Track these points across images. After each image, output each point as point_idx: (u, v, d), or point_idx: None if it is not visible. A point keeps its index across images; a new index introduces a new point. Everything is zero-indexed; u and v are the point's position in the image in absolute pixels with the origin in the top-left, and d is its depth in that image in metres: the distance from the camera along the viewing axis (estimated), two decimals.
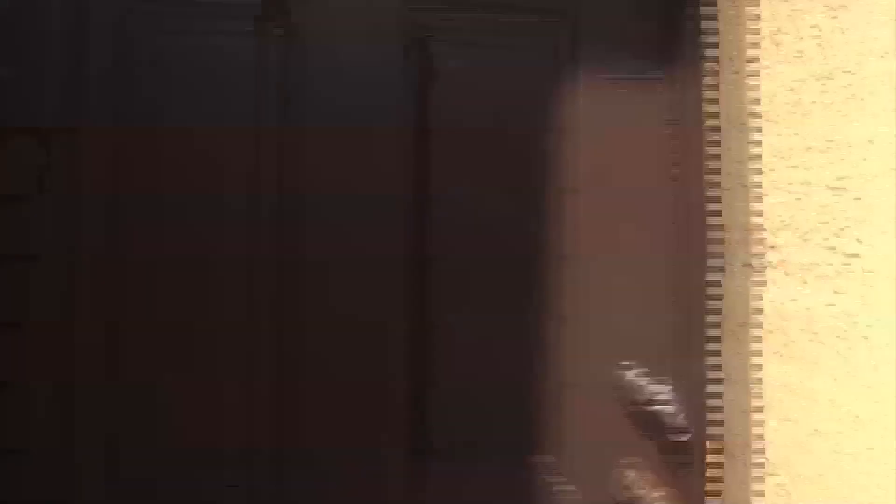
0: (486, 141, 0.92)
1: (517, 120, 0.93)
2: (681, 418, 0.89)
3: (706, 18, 0.93)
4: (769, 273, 0.85)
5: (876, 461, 0.75)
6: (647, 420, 0.91)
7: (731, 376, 0.90)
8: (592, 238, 0.92)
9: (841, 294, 0.77)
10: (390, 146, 0.90)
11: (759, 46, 0.87)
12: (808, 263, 0.81)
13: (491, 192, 0.91)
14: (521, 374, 0.92)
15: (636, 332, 0.92)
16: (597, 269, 0.92)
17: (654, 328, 0.93)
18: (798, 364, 0.81)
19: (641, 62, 0.93)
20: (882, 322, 0.73)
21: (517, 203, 0.92)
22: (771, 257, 0.86)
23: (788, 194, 0.84)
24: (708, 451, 0.91)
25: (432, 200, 0.90)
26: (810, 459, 0.81)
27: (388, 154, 0.90)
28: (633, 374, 0.91)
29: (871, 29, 0.75)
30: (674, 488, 0.90)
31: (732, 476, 0.89)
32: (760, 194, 0.87)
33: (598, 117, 0.93)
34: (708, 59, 0.91)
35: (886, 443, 0.73)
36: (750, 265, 0.87)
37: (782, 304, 0.84)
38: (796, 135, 0.83)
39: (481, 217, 0.90)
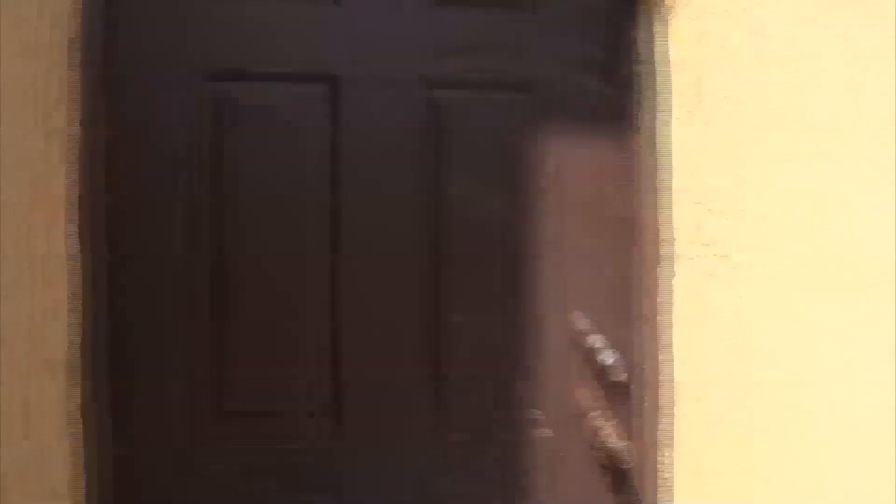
0: (489, 171, 1.28)
1: (508, 160, 1.28)
2: (618, 363, 1.24)
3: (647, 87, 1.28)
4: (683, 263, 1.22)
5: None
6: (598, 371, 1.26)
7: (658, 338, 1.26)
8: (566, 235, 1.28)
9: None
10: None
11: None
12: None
13: (494, 202, 1.27)
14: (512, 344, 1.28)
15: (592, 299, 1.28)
16: (567, 261, 1.28)
17: (607, 301, 1.28)
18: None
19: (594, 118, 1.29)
20: None
21: (511, 216, 1.28)
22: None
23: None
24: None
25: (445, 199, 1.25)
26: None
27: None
28: (592, 338, 1.27)
29: None
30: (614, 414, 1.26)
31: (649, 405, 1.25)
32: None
33: (566, 157, 1.28)
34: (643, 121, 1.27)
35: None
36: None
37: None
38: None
39: (487, 219, 1.26)
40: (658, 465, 1.24)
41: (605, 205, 1.29)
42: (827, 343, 1.20)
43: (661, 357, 1.23)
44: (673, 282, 1.21)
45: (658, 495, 1.24)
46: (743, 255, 1.18)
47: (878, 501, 1.19)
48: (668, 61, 1.22)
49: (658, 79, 1.23)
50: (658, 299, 1.24)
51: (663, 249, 1.23)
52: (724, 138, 1.18)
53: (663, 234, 1.23)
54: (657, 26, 1.22)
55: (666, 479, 1.23)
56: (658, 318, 1.23)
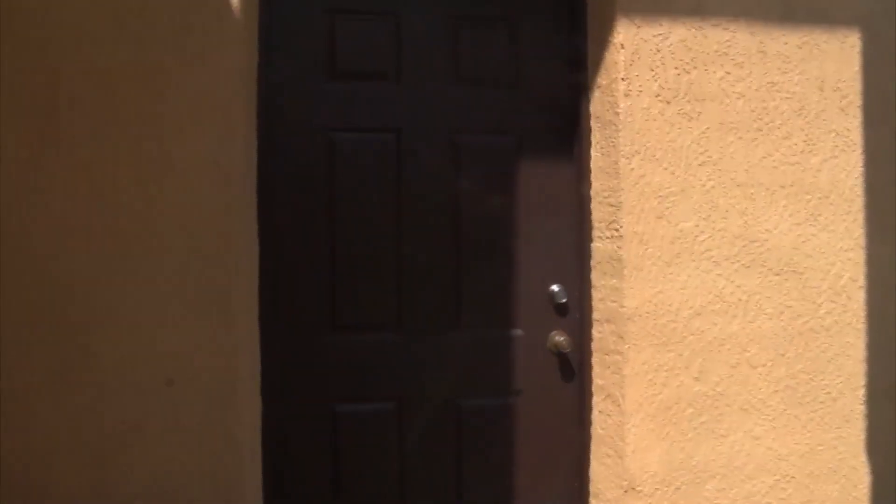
0: (490, 183, 2.15)
1: (501, 176, 2.16)
2: (562, 293, 2.14)
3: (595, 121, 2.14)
4: (610, 241, 2.08)
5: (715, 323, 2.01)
6: (559, 309, 2.15)
7: (596, 286, 2.14)
8: (533, 222, 2.16)
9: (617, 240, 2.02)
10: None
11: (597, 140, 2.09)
12: (621, 237, 2.04)
13: (494, 202, 2.14)
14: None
15: (559, 270, 2.17)
16: (534, 240, 2.16)
17: (565, 269, 2.17)
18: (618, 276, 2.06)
19: (551, 153, 2.16)
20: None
21: (504, 212, 2.16)
22: (603, 234, 2.09)
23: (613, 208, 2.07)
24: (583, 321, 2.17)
25: (462, 199, 2.13)
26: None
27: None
28: (555, 286, 2.15)
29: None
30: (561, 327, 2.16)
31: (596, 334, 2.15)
32: (605, 203, 2.10)
33: (536, 176, 2.16)
34: (580, 154, 2.13)
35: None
36: (602, 237, 2.10)
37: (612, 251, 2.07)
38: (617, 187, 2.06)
39: (489, 214, 2.14)
40: (584, 354, 2.14)
41: (559, 204, 2.18)
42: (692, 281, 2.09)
43: (587, 293, 2.13)
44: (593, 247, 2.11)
45: (584, 371, 2.15)
46: (629, 232, 2.06)
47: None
48: (594, 120, 2.09)
49: (585, 133, 2.11)
50: (588, 261, 2.13)
51: (590, 231, 2.12)
52: (623, 163, 2.04)
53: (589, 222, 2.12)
54: (589, 103, 2.09)
55: (587, 361, 2.13)
56: (588, 269, 2.13)
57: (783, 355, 2.13)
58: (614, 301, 2.05)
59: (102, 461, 1.82)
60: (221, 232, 1.86)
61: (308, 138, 2.09)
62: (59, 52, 1.81)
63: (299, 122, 2.08)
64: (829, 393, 2.16)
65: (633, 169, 2.02)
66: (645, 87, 2.02)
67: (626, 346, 2.03)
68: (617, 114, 2.02)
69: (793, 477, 2.15)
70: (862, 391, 2.17)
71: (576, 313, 2.17)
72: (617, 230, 2.04)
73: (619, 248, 2.03)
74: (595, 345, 2.13)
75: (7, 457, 1.79)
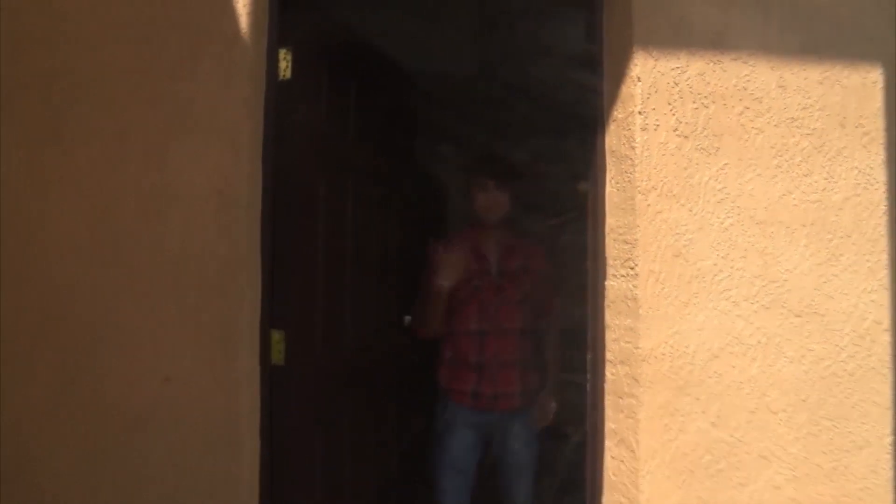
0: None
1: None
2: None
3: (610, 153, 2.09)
4: (621, 278, 2.02)
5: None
6: None
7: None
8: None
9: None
10: None
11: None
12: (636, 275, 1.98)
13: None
14: None
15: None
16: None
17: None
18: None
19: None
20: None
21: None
22: (619, 272, 2.02)
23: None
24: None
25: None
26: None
27: None
28: None
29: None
30: None
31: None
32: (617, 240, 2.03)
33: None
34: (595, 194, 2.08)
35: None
36: (617, 276, 2.04)
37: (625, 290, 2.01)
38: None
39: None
40: (597, 396, 2.07)
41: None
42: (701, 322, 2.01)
43: (601, 332, 2.06)
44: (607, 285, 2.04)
45: (596, 414, 2.07)
46: (644, 270, 1.99)
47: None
48: (609, 154, 2.04)
49: (600, 168, 2.06)
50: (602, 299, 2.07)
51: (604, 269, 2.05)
52: (639, 199, 1.98)
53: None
54: (605, 137, 2.05)
55: (600, 404, 2.05)
56: (602, 308, 2.06)
57: (805, 401, 2.04)
58: (629, 342, 1.98)
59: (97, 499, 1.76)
60: (224, 262, 1.80)
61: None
62: (71, 81, 1.79)
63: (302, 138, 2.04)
64: (853, 441, 2.06)
65: (649, 205, 1.96)
66: (662, 122, 1.97)
67: (641, 389, 1.95)
68: (633, 148, 1.96)
69: None
70: (889, 440, 2.08)
71: (588, 353, 2.10)
72: (632, 268, 1.97)
73: (635, 286, 1.96)
74: (608, 387, 2.05)
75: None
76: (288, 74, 2.04)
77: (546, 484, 2.94)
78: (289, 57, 2.04)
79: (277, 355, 2.05)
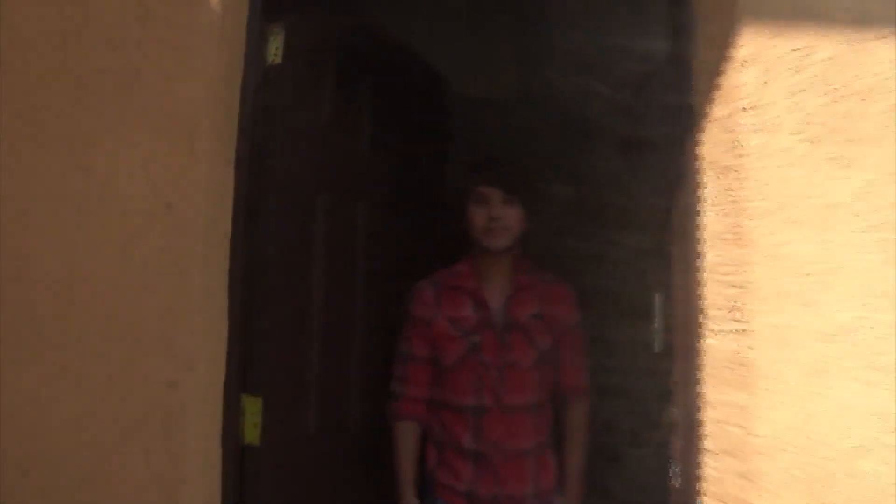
0: None
1: None
2: None
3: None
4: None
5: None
6: None
7: None
8: None
9: None
10: None
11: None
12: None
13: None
14: None
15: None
16: None
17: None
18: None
19: None
20: None
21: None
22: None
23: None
24: None
25: None
26: None
27: None
28: None
29: None
30: None
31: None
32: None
33: None
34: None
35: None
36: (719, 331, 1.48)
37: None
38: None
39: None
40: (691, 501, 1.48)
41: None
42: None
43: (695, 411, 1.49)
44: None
45: None
46: (761, 325, 1.43)
47: None
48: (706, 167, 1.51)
49: (691, 185, 1.52)
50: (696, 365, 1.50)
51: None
52: (750, 227, 1.44)
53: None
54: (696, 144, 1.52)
55: None
56: (697, 377, 1.50)
57: None
58: (739, 425, 1.40)
59: None
60: (170, 302, 1.29)
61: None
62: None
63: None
64: None
65: (765, 235, 1.41)
66: (781, 122, 1.43)
67: (758, 494, 1.37)
68: (740, 157, 1.43)
69: None
70: None
71: (679, 439, 1.53)
72: (742, 322, 1.42)
73: (748, 347, 1.40)
74: (708, 488, 1.47)
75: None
76: (278, 58, 1.56)
77: None
78: (281, 37, 1.56)
79: (251, 432, 1.51)
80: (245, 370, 1.45)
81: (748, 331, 1.40)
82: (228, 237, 1.42)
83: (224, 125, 1.40)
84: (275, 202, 1.59)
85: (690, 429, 1.51)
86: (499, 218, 1.83)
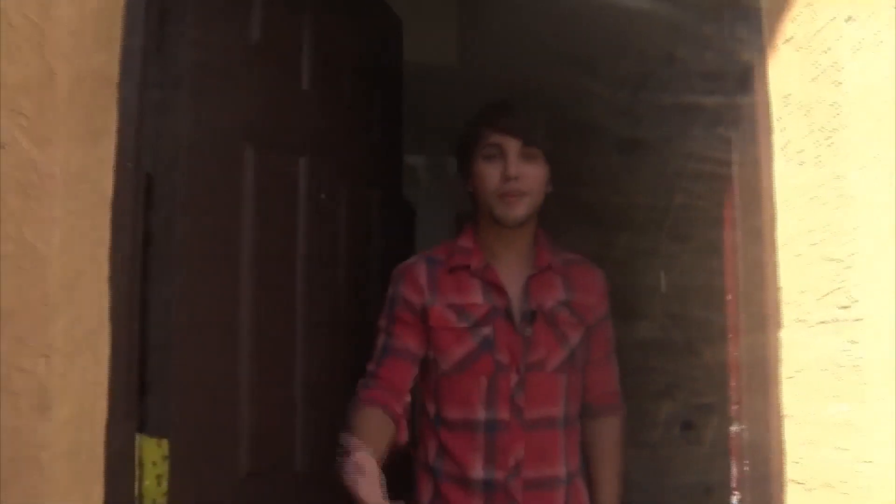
0: None
1: None
2: None
3: None
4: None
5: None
6: None
7: None
8: None
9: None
10: None
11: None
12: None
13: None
14: None
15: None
16: None
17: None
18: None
19: None
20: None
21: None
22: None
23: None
24: None
25: None
26: None
27: None
28: None
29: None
30: None
31: None
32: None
33: None
34: None
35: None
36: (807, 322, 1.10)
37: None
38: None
39: None
40: None
41: None
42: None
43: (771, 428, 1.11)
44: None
45: None
46: (872, 313, 1.07)
47: None
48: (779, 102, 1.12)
49: (763, 126, 1.13)
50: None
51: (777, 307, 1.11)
52: (851, 180, 1.07)
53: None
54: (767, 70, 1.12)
55: None
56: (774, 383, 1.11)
57: None
58: (841, 448, 1.04)
59: None
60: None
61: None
62: None
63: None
64: None
65: (875, 191, 1.04)
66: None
67: None
68: (838, 85, 1.05)
69: None
70: None
71: (745, 464, 1.14)
72: (844, 308, 1.04)
73: (851, 343, 1.03)
74: None
75: None
76: None
77: None
78: None
79: (152, 488, 1.04)
80: (141, 401, 0.98)
81: (854, 320, 1.03)
82: (109, 205, 0.94)
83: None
84: (184, 158, 1.12)
85: (763, 453, 1.13)
86: (516, 177, 1.42)
